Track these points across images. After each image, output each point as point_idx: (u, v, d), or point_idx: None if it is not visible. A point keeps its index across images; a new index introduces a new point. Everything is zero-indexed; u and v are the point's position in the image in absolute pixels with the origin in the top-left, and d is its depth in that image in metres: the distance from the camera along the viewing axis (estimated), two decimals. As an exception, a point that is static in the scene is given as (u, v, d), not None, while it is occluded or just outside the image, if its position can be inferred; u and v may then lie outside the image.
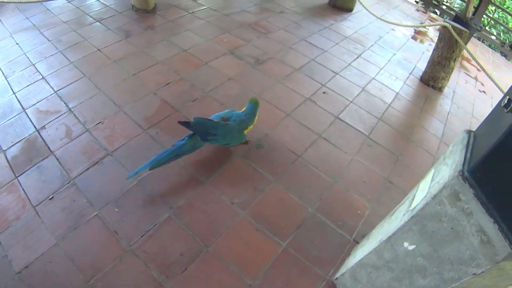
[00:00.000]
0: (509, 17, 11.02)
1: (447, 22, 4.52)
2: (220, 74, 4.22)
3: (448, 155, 1.81)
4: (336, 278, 2.46)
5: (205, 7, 5.79)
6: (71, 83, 3.82)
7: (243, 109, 3.22)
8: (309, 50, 5.11)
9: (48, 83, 3.80)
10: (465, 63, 6.27)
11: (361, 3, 5.59)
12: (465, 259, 1.56)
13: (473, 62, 4.99)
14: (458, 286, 1.63)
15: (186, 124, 2.92)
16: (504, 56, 7.81)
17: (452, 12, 7.85)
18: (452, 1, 11.97)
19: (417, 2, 8.62)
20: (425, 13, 8.06)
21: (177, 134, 3.16)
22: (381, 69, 5.12)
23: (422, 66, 5.31)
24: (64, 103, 3.57)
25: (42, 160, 3.01)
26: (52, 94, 3.66)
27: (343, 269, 2.43)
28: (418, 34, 6.74)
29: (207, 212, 2.76)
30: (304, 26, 5.80)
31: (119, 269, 2.36)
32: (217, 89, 3.98)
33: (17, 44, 4.44)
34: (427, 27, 7.10)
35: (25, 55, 4.23)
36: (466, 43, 4.56)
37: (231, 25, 5.38)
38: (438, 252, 1.68)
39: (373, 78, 4.83)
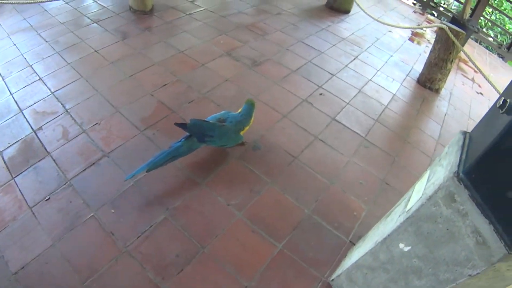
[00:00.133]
0: (506, 19, 11.06)
1: (444, 24, 4.54)
2: (217, 76, 4.23)
3: (444, 156, 1.82)
4: (332, 280, 2.46)
5: (202, 8, 5.80)
6: (68, 84, 3.82)
7: (239, 110, 3.23)
8: (306, 52, 5.12)
9: (45, 84, 3.80)
10: (462, 65, 6.29)
11: (358, 5, 5.60)
12: (461, 260, 1.56)
13: (470, 63, 5.01)
14: (454, 287, 1.64)
15: (182, 125, 2.93)
16: (501, 57, 7.83)
17: (449, 14, 7.85)
18: (449, 3, 11.99)
19: (414, 4, 8.64)
20: (423, 14, 8.08)
21: (173, 135, 3.16)
22: (378, 70, 5.13)
23: (419, 67, 5.32)
24: (61, 104, 3.57)
25: (39, 161, 3.01)
26: (49, 95, 3.66)
27: (339, 271, 2.44)
28: (415, 36, 6.76)
29: (203, 214, 2.77)
30: (301, 28, 5.81)
31: (115, 270, 2.36)
32: (214, 90, 3.99)
33: (15, 45, 4.44)
34: (424, 29, 7.12)
35: (23, 56, 4.24)
36: (463, 45, 4.57)
37: (228, 26, 5.39)
38: (433, 253, 1.69)
39: (370, 80, 4.84)
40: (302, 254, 2.64)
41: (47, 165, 2.98)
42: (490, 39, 8.27)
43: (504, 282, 1.64)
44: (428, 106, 4.73)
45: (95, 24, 5.00)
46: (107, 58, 4.28)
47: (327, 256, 2.67)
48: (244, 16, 5.82)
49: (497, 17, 11.75)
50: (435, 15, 8.78)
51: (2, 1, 4.87)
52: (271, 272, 2.50)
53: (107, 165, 3.03)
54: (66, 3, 5.47)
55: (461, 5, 5.65)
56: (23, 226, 2.53)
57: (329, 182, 3.23)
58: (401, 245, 1.83)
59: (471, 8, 5.95)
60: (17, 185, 2.81)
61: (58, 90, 3.73)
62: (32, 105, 3.54)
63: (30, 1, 4.95)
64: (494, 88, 3.86)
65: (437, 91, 5.04)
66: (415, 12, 8.10)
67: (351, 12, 6.82)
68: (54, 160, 3.02)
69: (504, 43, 8.19)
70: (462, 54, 5.34)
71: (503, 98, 1.46)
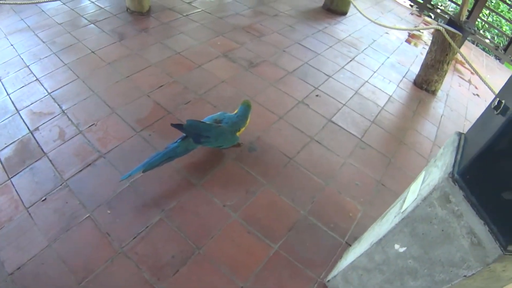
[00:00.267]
0: (503, 20, 11.08)
1: (441, 26, 4.55)
2: (214, 77, 4.23)
3: (439, 157, 1.83)
4: (328, 281, 2.47)
5: (200, 10, 5.80)
6: (65, 85, 3.82)
7: (236, 111, 3.24)
8: (303, 53, 5.13)
9: (42, 85, 3.80)
10: (459, 66, 6.31)
11: (355, 7, 5.62)
12: (456, 261, 1.57)
13: (467, 65, 5.02)
14: (450, 288, 1.65)
15: (179, 126, 2.93)
16: (498, 59, 7.85)
17: (446, 16, 7.89)
18: (446, 5, 12.02)
19: (411, 6, 8.65)
20: (419, 16, 8.09)
21: (170, 136, 3.16)
22: (375, 72, 5.14)
23: (415, 69, 5.34)
24: (58, 105, 3.57)
25: (35, 161, 3.01)
26: (46, 96, 3.66)
27: (335, 272, 2.44)
28: (412, 38, 6.77)
29: (199, 215, 2.77)
30: (298, 29, 5.82)
31: (110, 271, 2.36)
32: (210, 91, 4.00)
33: (12, 45, 4.44)
34: (421, 31, 7.13)
35: (20, 56, 4.23)
36: (459, 47, 4.59)
37: (225, 28, 5.39)
38: (429, 254, 1.69)
39: (366, 81, 4.86)
40: (297, 255, 2.65)
41: (44, 166, 2.98)
42: (487, 41, 8.32)
43: (500, 283, 1.65)
44: (425, 108, 4.75)
45: (92, 25, 5.00)
46: (104, 59, 4.28)
47: (323, 257, 2.68)
48: (241, 18, 5.82)
49: (494, 19, 11.78)
50: (432, 17, 8.81)
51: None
52: (266, 273, 2.51)
53: (103, 166, 3.03)
54: (64, 3, 5.46)
55: (458, 7, 5.67)
56: (19, 227, 2.54)
57: (325, 183, 3.24)
58: (397, 246, 1.84)
59: (468, 10, 5.97)
60: (13, 185, 2.82)
61: (55, 90, 3.74)
62: (29, 105, 3.54)
63: (28, 2, 4.95)
64: (490, 89, 3.88)
65: (433, 92, 5.05)
66: (412, 14, 8.11)
67: (348, 14, 6.83)
68: (50, 161, 3.02)
69: (501, 45, 8.23)
70: (458, 56, 5.35)
71: (498, 99, 1.46)
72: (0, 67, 4.05)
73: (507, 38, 8.09)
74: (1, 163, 2.99)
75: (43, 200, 2.72)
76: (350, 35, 6.05)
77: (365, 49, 5.73)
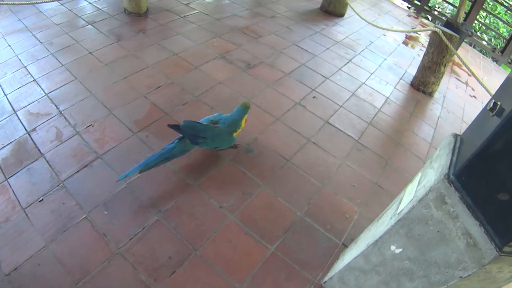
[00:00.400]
0: (500, 22, 11.09)
1: (438, 27, 4.56)
2: (211, 78, 4.24)
3: (435, 158, 1.83)
4: (325, 282, 2.47)
5: (197, 11, 5.81)
6: (62, 86, 3.82)
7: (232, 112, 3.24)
8: (300, 55, 5.14)
9: (39, 86, 3.80)
10: (456, 68, 6.32)
11: (352, 9, 5.63)
12: (452, 262, 1.58)
13: (464, 67, 5.03)
14: (446, 289, 1.66)
15: (176, 127, 2.93)
16: (495, 61, 7.86)
17: (443, 18, 7.90)
18: (444, 6, 12.02)
19: (409, 8, 8.67)
20: (417, 18, 8.11)
21: (167, 137, 3.17)
22: (372, 74, 5.15)
23: (412, 71, 5.34)
24: (55, 105, 3.57)
25: (32, 162, 3.01)
26: (43, 97, 3.66)
27: (331, 273, 2.45)
28: (409, 40, 6.78)
29: (195, 216, 2.78)
30: (295, 31, 5.83)
31: (107, 272, 2.36)
32: (207, 93, 4.00)
33: (9, 46, 4.44)
34: (418, 32, 7.14)
35: (17, 57, 4.23)
36: (456, 48, 4.60)
37: (222, 29, 5.40)
38: (424, 255, 1.70)
39: (364, 83, 4.86)
40: (294, 256, 2.65)
41: (41, 167, 2.98)
42: (484, 42, 8.32)
43: (495, 284, 1.66)
44: (422, 109, 4.76)
45: (89, 26, 5.00)
46: (101, 60, 4.28)
47: (320, 259, 2.68)
48: (239, 19, 5.83)
49: (491, 21, 11.79)
50: (430, 19, 8.82)
51: (-4, 2, 4.88)
52: (263, 274, 2.51)
53: (100, 167, 3.03)
54: (61, 4, 5.46)
55: (455, 9, 5.67)
56: (16, 227, 2.54)
57: (321, 184, 3.24)
58: (393, 247, 1.85)
59: (465, 12, 5.99)
60: (10, 186, 2.81)
61: (52, 91, 3.74)
62: (26, 106, 3.54)
63: (26, 2, 4.95)
64: (487, 91, 3.89)
65: (430, 94, 5.06)
66: (409, 16, 8.13)
67: (346, 16, 6.84)
68: (47, 162, 3.02)
69: (498, 46, 8.25)
70: (455, 58, 5.36)
71: (493, 100, 1.47)
72: (-3, 67, 4.05)
73: (504, 40, 8.12)
74: (-2, 164, 3.00)
75: (40, 201, 2.72)
76: (347, 37, 6.06)
77: (362, 51, 5.74)
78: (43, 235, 2.50)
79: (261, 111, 3.87)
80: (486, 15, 11.47)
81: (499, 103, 1.42)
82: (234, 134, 3.16)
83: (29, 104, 3.56)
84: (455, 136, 1.80)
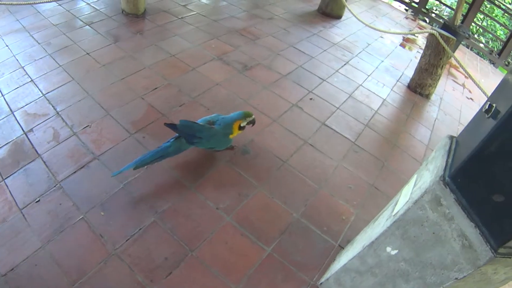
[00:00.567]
0: (497, 25, 11.13)
1: (435, 30, 4.57)
2: (208, 80, 4.24)
3: (431, 160, 1.84)
4: (321, 283, 2.48)
5: (195, 12, 5.81)
6: (59, 87, 3.82)
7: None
8: (297, 57, 5.15)
9: (36, 86, 3.80)
10: (453, 70, 6.33)
11: (350, 11, 5.63)
12: (447, 264, 1.58)
13: (461, 69, 5.04)
14: (441, 290, 1.66)
15: (172, 126, 2.95)
16: (492, 63, 7.88)
17: (441, 20, 7.91)
18: (441, 9, 12.05)
19: (406, 10, 8.68)
20: (414, 20, 8.12)
21: (163, 138, 3.16)
22: (369, 76, 5.17)
23: (409, 73, 5.36)
24: (52, 106, 3.57)
25: (29, 163, 3.01)
26: (40, 97, 3.66)
27: (327, 274, 2.45)
28: (407, 42, 6.80)
29: (191, 217, 2.78)
30: (292, 33, 5.83)
31: (104, 273, 2.37)
32: (204, 94, 4.01)
33: (7, 46, 4.43)
34: (415, 35, 7.15)
35: (15, 57, 4.23)
36: (454, 51, 4.61)
37: (219, 31, 5.40)
38: (420, 256, 1.70)
39: (361, 85, 4.87)
40: (290, 258, 2.66)
41: (38, 167, 2.98)
42: (481, 45, 8.33)
43: (491, 286, 1.67)
44: (418, 111, 4.77)
45: (87, 27, 5.00)
46: (98, 61, 4.28)
47: (316, 260, 2.69)
48: (236, 21, 5.84)
49: (489, 23, 11.83)
50: (427, 21, 8.84)
51: (-6, 3, 4.87)
52: (259, 276, 2.52)
53: (97, 168, 3.03)
54: (59, 5, 5.45)
55: (453, 11, 5.68)
56: (12, 228, 2.53)
57: (318, 186, 3.25)
58: (388, 249, 1.85)
59: (462, 15, 6.00)
60: (7, 186, 2.81)
61: (50, 92, 3.74)
62: (23, 106, 3.54)
63: (24, 2, 4.95)
64: (484, 93, 3.89)
65: (427, 96, 5.07)
66: (406, 18, 8.14)
67: (343, 18, 6.85)
68: (44, 162, 3.02)
69: (495, 49, 8.26)
70: (453, 60, 5.37)
71: (489, 102, 1.48)
72: (-5, 68, 4.05)
73: (501, 43, 8.12)
74: (-5, 164, 2.99)
75: (36, 202, 2.72)
76: (344, 39, 6.07)
77: (359, 53, 5.76)
78: (40, 236, 2.50)
79: (258, 112, 3.86)
80: (484, 18, 11.51)
81: (494, 105, 1.43)
82: (231, 136, 3.16)
83: (26, 105, 3.56)
84: (451, 138, 1.81)
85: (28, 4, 5.06)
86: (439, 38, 4.43)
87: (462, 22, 6.74)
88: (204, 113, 3.62)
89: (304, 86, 4.52)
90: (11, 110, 3.49)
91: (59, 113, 3.50)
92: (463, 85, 5.94)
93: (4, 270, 2.30)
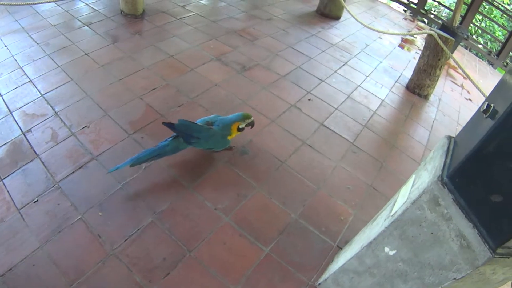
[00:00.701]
0: (496, 26, 11.15)
1: (433, 31, 4.57)
2: (206, 80, 4.24)
3: (429, 160, 1.84)
4: (319, 284, 2.48)
5: (193, 13, 5.81)
6: (58, 87, 3.82)
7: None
8: (296, 57, 5.15)
9: (35, 86, 3.80)
10: (452, 71, 6.34)
11: (348, 11, 5.64)
12: (446, 264, 1.58)
13: (460, 70, 5.04)
14: (440, 291, 1.66)
15: (170, 125, 2.95)
16: (491, 64, 7.89)
17: (439, 21, 7.91)
18: (440, 10, 12.07)
19: (405, 11, 8.68)
20: (413, 21, 8.13)
21: (162, 139, 3.14)
22: (367, 76, 5.17)
23: (408, 74, 5.36)
24: (51, 106, 3.57)
25: (28, 163, 3.01)
26: (39, 98, 3.66)
27: (326, 275, 2.45)
28: (405, 43, 6.80)
29: (190, 217, 2.78)
30: (291, 33, 5.84)
31: (102, 273, 2.36)
32: (203, 95, 4.01)
33: (5, 46, 4.43)
34: (414, 36, 7.15)
35: (13, 57, 4.23)
36: (452, 52, 4.61)
37: (218, 31, 5.41)
38: (418, 257, 1.70)
39: (359, 86, 4.88)
40: (289, 258, 2.66)
41: (36, 167, 2.98)
42: (480, 46, 8.34)
43: (489, 286, 1.66)
44: (417, 112, 4.77)
45: (86, 27, 5.00)
46: (97, 61, 4.28)
47: (314, 260, 2.69)
48: (235, 22, 5.84)
49: (487, 24, 11.85)
50: (426, 22, 8.84)
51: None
52: (257, 276, 2.52)
53: (95, 168, 3.03)
54: (58, 5, 5.45)
55: (451, 12, 5.68)
56: (10, 228, 2.53)
57: (316, 187, 3.25)
58: (387, 249, 1.85)
59: (461, 15, 6.00)
60: (5, 186, 2.81)
61: (48, 92, 3.73)
62: (21, 107, 3.54)
63: (22, 3, 4.95)
64: (482, 94, 3.90)
65: (426, 97, 5.07)
66: (405, 19, 8.15)
67: (342, 19, 6.86)
68: (42, 163, 3.02)
69: (494, 50, 8.26)
70: (451, 61, 5.38)
71: (487, 103, 1.48)
72: (-7, 68, 4.05)
73: (500, 44, 8.13)
74: (-7, 165, 2.99)
75: (35, 202, 2.71)
76: (343, 40, 6.08)
77: (358, 53, 5.76)
78: (38, 236, 2.50)
79: (256, 113, 3.86)
80: (482, 19, 11.53)
81: (492, 105, 1.43)
82: (229, 138, 3.16)
83: (25, 105, 3.56)
84: (449, 138, 1.81)
85: (27, 4, 5.06)
86: (437, 39, 4.43)
87: (461, 23, 6.75)
88: (202, 114, 3.62)
89: (302, 86, 4.52)
90: (9, 110, 3.49)
91: (58, 113, 3.50)
92: (462, 86, 5.94)
93: (2, 271, 2.30)
